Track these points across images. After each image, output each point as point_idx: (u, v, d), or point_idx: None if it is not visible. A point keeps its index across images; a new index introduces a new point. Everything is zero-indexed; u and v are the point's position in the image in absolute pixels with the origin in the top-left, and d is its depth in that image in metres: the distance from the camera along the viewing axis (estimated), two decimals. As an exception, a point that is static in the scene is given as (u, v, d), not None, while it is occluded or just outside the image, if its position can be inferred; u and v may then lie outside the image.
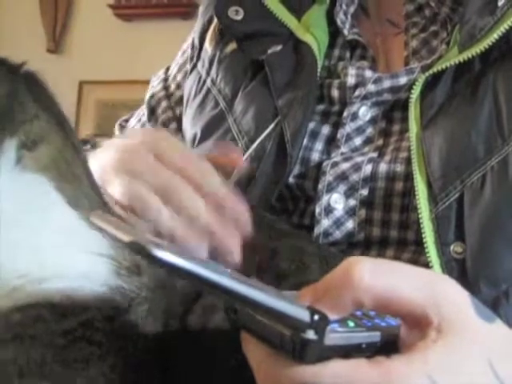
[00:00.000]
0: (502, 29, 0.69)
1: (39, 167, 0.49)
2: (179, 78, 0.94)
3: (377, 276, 0.43)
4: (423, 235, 0.66)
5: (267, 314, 0.41)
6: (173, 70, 0.96)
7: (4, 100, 0.49)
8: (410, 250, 0.69)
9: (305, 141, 0.77)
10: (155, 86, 0.97)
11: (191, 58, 0.91)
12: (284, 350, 0.43)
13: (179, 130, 0.92)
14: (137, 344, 0.50)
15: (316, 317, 0.42)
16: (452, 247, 0.66)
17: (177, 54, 0.99)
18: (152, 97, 0.96)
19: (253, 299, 0.40)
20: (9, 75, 0.50)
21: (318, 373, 0.42)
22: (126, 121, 1.00)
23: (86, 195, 0.51)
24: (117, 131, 1.00)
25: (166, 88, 0.96)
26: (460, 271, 0.64)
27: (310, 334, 0.42)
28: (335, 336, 0.43)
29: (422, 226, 0.66)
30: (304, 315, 0.41)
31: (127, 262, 0.50)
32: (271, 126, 0.78)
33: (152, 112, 0.95)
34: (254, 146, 0.78)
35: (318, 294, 0.44)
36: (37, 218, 0.48)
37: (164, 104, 0.94)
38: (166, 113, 0.93)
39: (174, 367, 0.52)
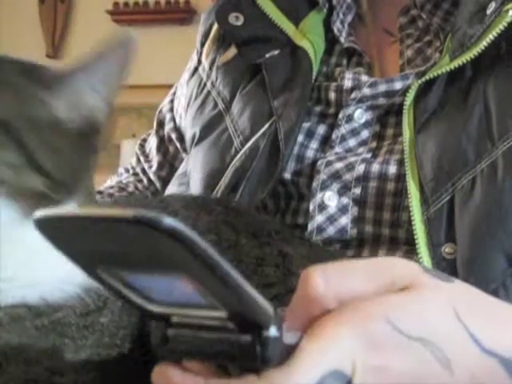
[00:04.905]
0: (491, 36, 0.70)
1: None
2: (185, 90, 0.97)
3: (330, 280, 0.44)
4: (415, 236, 0.68)
5: (244, 302, 0.39)
6: (181, 81, 0.99)
7: None
8: (402, 249, 0.71)
9: (301, 138, 0.80)
10: (166, 99, 1.01)
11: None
12: (244, 358, 0.41)
13: (179, 138, 0.95)
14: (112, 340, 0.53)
15: (275, 310, 0.41)
16: (443, 248, 0.67)
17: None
18: (160, 111, 1.00)
19: (239, 284, 0.38)
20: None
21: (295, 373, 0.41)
22: (145, 140, 1.03)
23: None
24: (137, 150, 1.03)
25: (171, 101, 1.00)
26: (451, 271, 0.66)
27: (273, 331, 0.40)
28: (289, 335, 0.42)
29: (414, 227, 0.68)
30: (268, 307, 0.40)
31: None
32: (266, 126, 0.80)
33: (161, 125, 0.99)
34: (249, 144, 0.80)
35: (292, 319, 0.44)
36: (22, 231, 0.51)
37: (168, 115, 0.97)
38: (169, 124, 0.97)
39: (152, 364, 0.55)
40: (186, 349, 0.42)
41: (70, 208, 0.39)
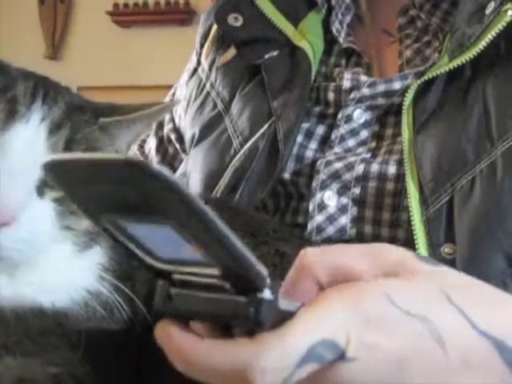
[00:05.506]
0: (490, 36, 0.71)
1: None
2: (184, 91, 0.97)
3: (322, 254, 0.47)
4: (415, 236, 0.68)
5: (237, 261, 0.40)
6: (180, 82, 0.99)
7: None
8: None
9: (300, 139, 0.80)
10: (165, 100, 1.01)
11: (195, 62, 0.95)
12: (239, 319, 0.42)
13: (178, 139, 0.95)
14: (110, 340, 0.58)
15: (272, 276, 0.42)
16: (442, 248, 0.68)
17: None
18: None
19: (232, 242, 0.40)
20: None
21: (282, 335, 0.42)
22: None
23: None
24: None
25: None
26: None
27: (267, 294, 0.42)
28: (285, 302, 0.43)
29: (413, 227, 0.68)
30: (262, 270, 0.42)
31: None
32: (265, 126, 0.80)
33: (160, 126, 0.99)
34: (248, 145, 0.81)
35: (287, 287, 0.46)
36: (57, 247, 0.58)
37: (167, 116, 0.97)
38: (168, 125, 0.97)
39: (148, 366, 0.57)
40: (186, 308, 0.44)
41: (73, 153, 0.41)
